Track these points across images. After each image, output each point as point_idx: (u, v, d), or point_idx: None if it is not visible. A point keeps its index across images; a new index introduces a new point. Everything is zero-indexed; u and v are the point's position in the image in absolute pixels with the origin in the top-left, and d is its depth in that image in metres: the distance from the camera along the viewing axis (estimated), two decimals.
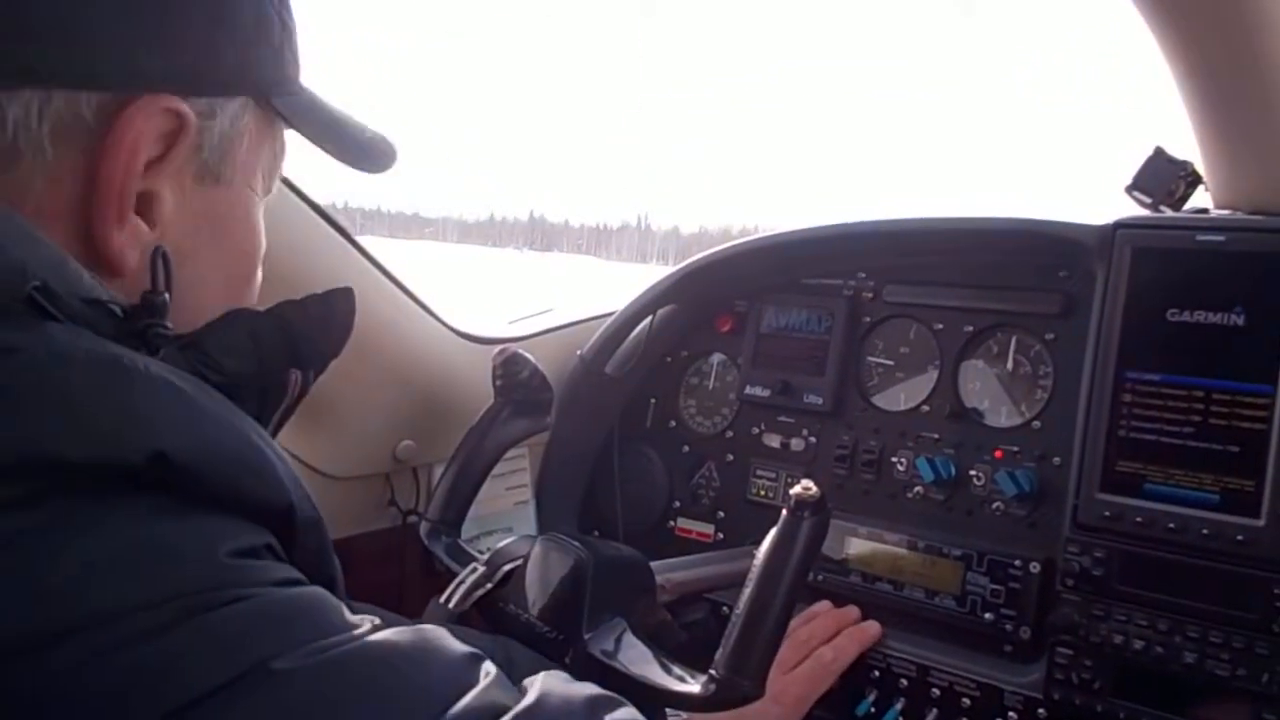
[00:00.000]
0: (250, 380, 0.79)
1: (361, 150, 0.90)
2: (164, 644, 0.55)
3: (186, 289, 0.75)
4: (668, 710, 1.22)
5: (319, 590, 0.65)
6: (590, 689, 0.79)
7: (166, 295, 0.71)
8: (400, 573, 1.63)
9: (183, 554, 0.59)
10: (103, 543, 0.57)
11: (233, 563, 0.60)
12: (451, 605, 1.30)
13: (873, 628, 1.49)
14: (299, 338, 0.83)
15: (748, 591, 1.06)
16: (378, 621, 0.66)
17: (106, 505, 0.57)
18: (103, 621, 0.55)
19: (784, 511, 1.06)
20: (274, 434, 0.85)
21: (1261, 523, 1.19)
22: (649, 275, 1.85)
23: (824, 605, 1.54)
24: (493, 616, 1.31)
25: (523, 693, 0.72)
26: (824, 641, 1.46)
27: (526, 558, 1.31)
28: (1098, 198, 1.48)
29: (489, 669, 0.68)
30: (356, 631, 0.63)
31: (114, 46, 0.69)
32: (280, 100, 0.81)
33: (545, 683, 0.75)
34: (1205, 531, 1.23)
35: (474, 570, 1.34)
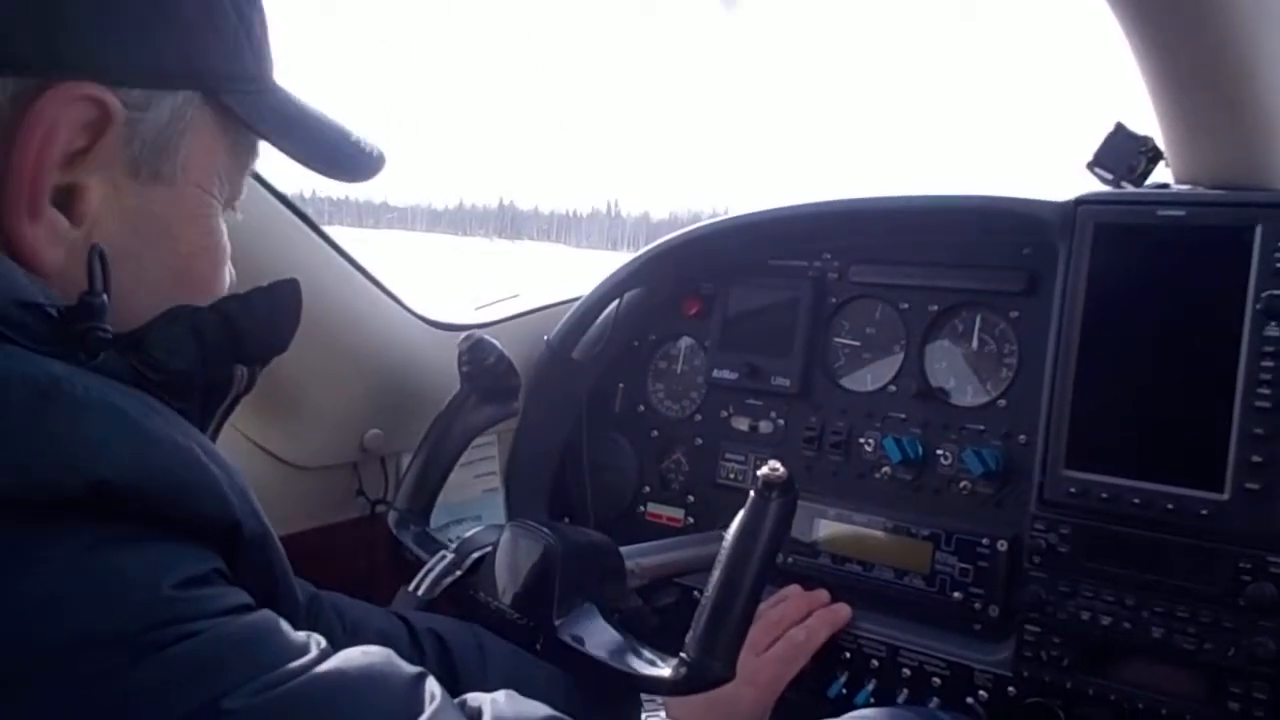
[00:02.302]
0: (194, 378, 0.76)
1: (334, 156, 0.86)
2: (113, 687, 0.55)
3: (127, 291, 0.71)
4: (642, 695, 1.22)
5: (266, 616, 0.65)
6: (542, 710, 0.80)
7: (105, 296, 0.68)
8: (369, 563, 1.62)
9: (128, 590, 0.58)
10: (45, 581, 0.56)
11: (179, 595, 0.59)
12: (420, 593, 1.30)
13: (843, 609, 1.50)
14: (243, 333, 0.80)
15: (717, 574, 1.06)
16: (324, 645, 0.66)
17: (47, 539, 0.56)
18: (49, 666, 0.54)
19: (751, 493, 1.06)
20: (218, 429, 0.84)
21: (1225, 496, 1.20)
22: (619, 262, 1.84)
23: (794, 588, 1.54)
24: (463, 604, 1.31)
25: (471, 714, 0.73)
26: (795, 623, 1.46)
27: (495, 545, 1.31)
28: (1061, 175, 1.48)
29: (434, 691, 0.69)
30: (305, 660, 0.63)
31: (33, 30, 0.66)
32: (233, 97, 0.77)
33: (496, 706, 0.76)
34: (1169, 506, 1.23)
35: (442, 558, 1.34)
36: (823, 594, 1.53)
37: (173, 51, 0.72)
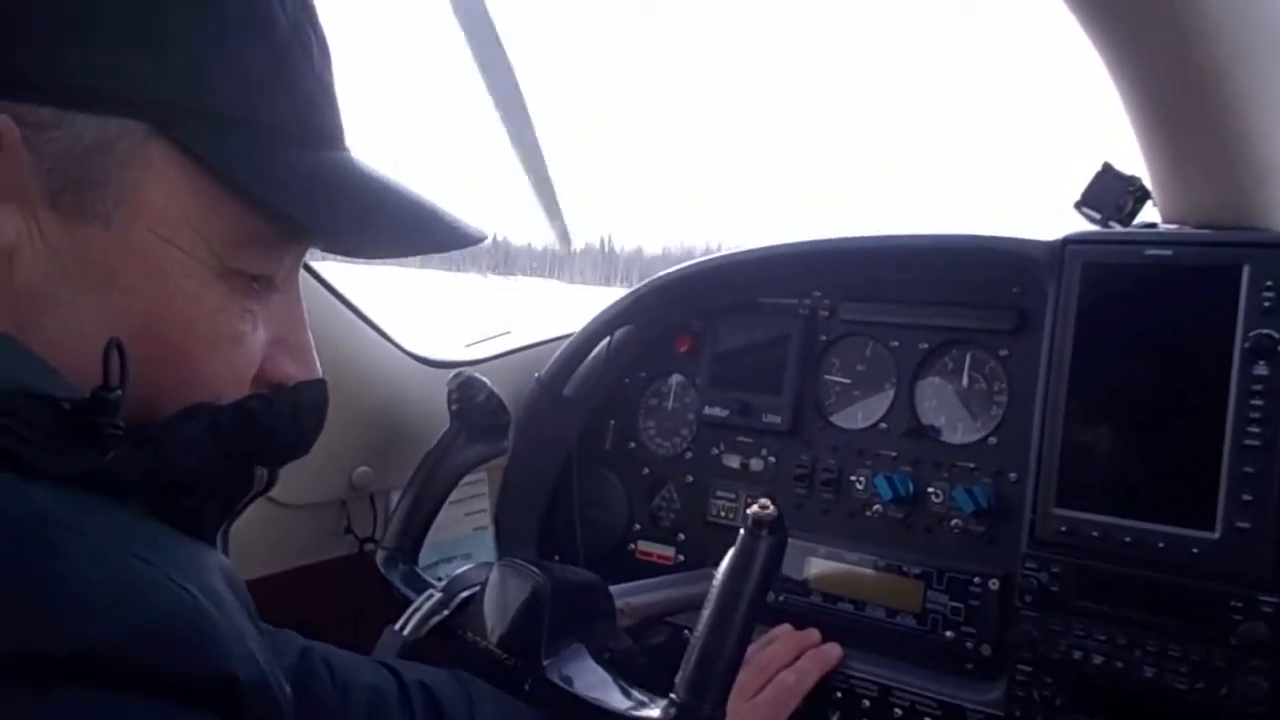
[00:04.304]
0: (210, 478, 0.71)
1: (378, 229, 0.76)
2: None
3: (59, 343, 0.65)
4: None
5: None
6: None
7: (119, 391, 0.63)
8: (357, 602, 1.61)
9: None
10: None
11: None
12: (406, 633, 1.29)
13: (834, 650, 1.48)
14: (264, 433, 0.74)
15: (706, 613, 1.05)
16: None
17: (22, 704, 0.52)
18: None
19: (741, 531, 1.05)
20: (230, 524, 0.79)
21: (1216, 535, 1.20)
22: (612, 297, 1.84)
23: (784, 628, 1.52)
24: (450, 644, 1.30)
25: None
26: (785, 665, 1.44)
27: (484, 584, 1.30)
28: (1051, 214, 1.48)
29: None
30: None
31: None
32: (197, 136, 0.67)
33: None
34: (1160, 545, 1.23)
35: (430, 597, 1.33)
36: (813, 634, 1.51)
37: (98, 71, 0.64)
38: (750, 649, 1.28)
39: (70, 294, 0.66)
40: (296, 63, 0.72)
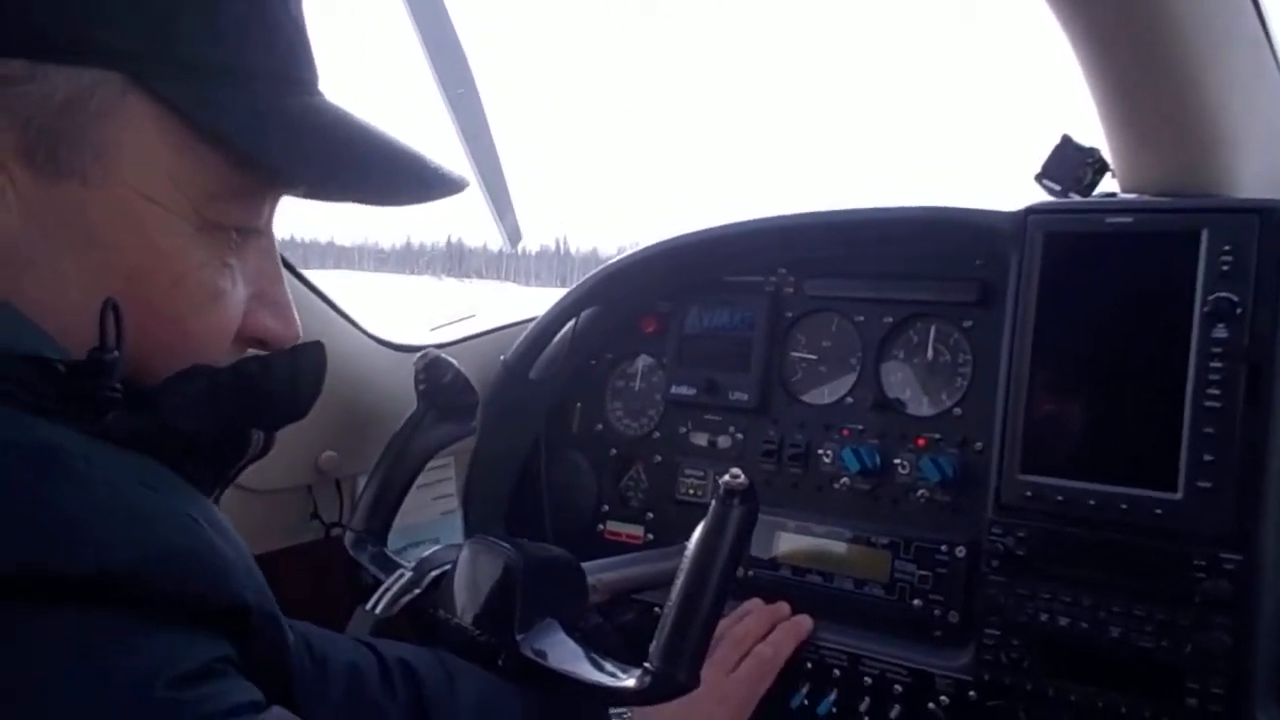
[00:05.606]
0: (206, 440, 0.71)
1: (362, 173, 0.74)
2: None
3: (42, 302, 0.63)
4: (612, 710, 1.21)
5: (275, 715, 0.60)
6: None
7: (117, 353, 0.62)
8: (323, 588, 1.60)
9: (118, 691, 0.53)
10: (30, 673, 0.51)
11: (176, 695, 0.54)
12: (378, 611, 1.28)
13: (805, 622, 1.49)
14: (262, 397, 0.74)
15: (679, 582, 1.06)
16: None
17: (35, 625, 0.52)
18: None
19: (713, 502, 1.06)
20: (224, 489, 0.79)
21: (1179, 495, 1.22)
22: None
23: (755, 602, 1.53)
24: (422, 623, 1.29)
25: None
26: (760, 639, 1.45)
27: (454, 563, 1.29)
28: (1015, 187, 1.51)
29: None
30: None
31: None
32: (173, 84, 0.65)
33: None
34: (1124, 507, 1.25)
35: (400, 576, 1.32)
36: (784, 607, 1.52)
37: (70, 21, 0.62)
38: (722, 624, 1.28)
39: (49, 253, 0.64)
40: (271, 6, 0.70)
